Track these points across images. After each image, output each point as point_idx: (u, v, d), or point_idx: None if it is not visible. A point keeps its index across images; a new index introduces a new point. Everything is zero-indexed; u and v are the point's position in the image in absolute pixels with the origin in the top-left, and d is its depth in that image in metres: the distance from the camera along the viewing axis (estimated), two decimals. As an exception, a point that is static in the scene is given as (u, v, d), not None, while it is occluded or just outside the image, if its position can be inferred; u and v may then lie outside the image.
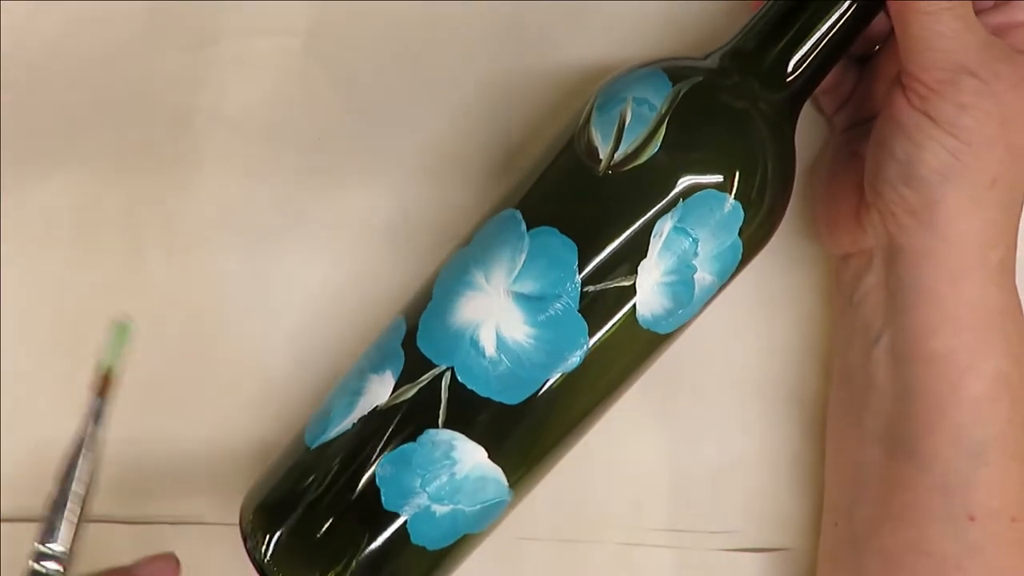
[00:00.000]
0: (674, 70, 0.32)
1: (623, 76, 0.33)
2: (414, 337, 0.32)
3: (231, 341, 0.39)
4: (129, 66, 0.40)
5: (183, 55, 0.40)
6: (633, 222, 0.31)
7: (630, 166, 0.31)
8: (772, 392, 0.39)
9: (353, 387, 0.33)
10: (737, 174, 0.31)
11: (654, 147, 0.31)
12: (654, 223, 0.31)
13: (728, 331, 0.39)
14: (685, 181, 0.31)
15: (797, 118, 0.34)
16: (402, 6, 0.40)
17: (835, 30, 0.33)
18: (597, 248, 0.31)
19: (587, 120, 0.32)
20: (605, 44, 0.39)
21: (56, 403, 0.39)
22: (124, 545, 0.38)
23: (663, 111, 0.31)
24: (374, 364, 0.33)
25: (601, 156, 0.31)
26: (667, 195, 0.31)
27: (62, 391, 0.39)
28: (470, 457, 0.31)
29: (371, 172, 0.40)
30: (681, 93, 0.31)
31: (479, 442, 0.31)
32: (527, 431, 0.32)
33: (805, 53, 0.33)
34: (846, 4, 0.32)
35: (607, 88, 0.33)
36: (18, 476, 0.39)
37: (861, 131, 0.37)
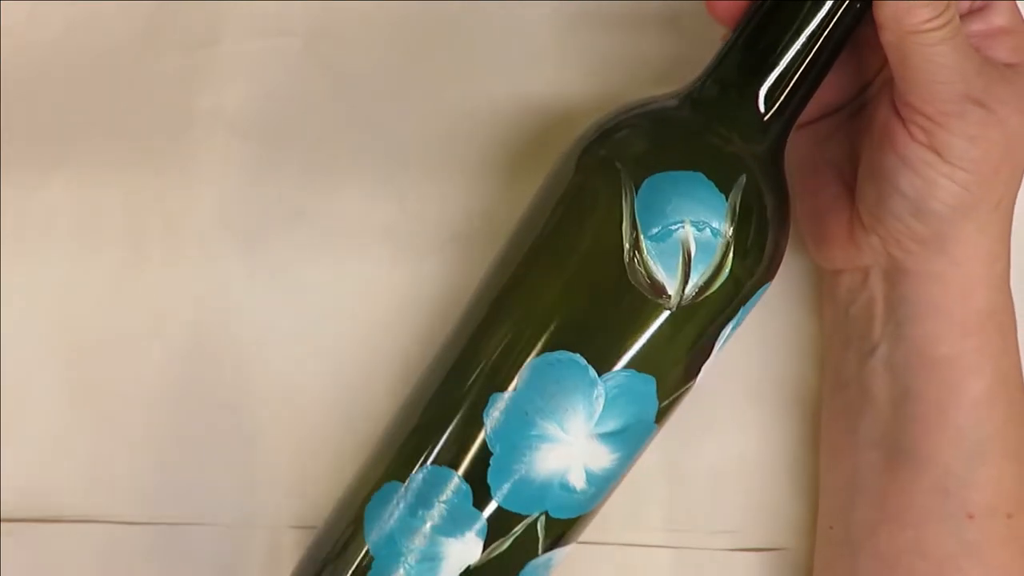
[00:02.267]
0: (716, 172, 0.30)
1: (659, 179, 0.30)
2: (489, 497, 0.31)
3: (231, 341, 0.39)
4: (129, 66, 0.40)
5: (183, 55, 0.40)
6: (705, 340, 0.31)
7: (703, 296, 0.30)
8: (772, 392, 0.39)
9: (421, 551, 0.32)
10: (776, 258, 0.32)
11: (725, 273, 0.30)
12: (720, 332, 0.31)
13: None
14: (750, 290, 0.31)
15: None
16: (402, 7, 0.40)
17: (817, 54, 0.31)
18: (674, 373, 0.31)
19: (636, 246, 0.30)
20: (606, 47, 0.39)
21: (56, 403, 0.39)
22: (124, 545, 0.38)
23: (728, 235, 0.30)
24: (444, 528, 0.31)
25: (670, 292, 0.30)
26: (735, 308, 0.31)
27: (62, 391, 0.39)
28: (563, 556, 0.33)
29: (371, 172, 0.40)
30: (737, 207, 0.30)
31: (571, 542, 0.33)
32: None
33: (786, 89, 0.31)
34: (823, 17, 0.30)
35: (644, 199, 0.30)
36: (18, 476, 0.39)
37: (825, 130, 0.36)
